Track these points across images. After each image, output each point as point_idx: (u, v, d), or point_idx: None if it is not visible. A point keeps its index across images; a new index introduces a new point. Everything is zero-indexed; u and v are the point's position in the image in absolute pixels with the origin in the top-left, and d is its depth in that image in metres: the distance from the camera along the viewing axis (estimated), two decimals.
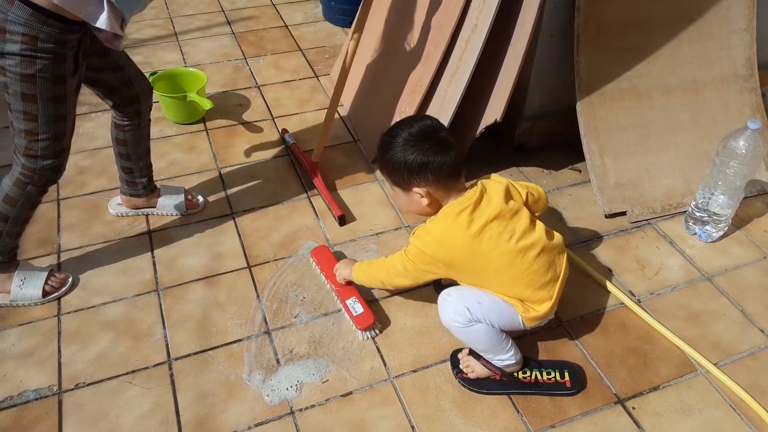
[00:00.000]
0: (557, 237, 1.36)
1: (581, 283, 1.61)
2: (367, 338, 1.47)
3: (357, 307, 1.49)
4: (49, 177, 1.41)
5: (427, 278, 1.37)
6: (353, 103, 2.21)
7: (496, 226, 1.26)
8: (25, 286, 1.51)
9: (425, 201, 1.29)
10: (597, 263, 1.68)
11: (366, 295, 1.55)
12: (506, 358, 1.34)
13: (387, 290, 1.57)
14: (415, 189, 1.28)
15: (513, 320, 1.32)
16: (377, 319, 1.49)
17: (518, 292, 1.31)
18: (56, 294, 1.54)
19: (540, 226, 1.33)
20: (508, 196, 1.32)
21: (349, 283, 1.53)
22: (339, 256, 1.66)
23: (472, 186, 1.32)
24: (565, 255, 1.37)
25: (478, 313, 1.28)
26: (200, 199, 1.82)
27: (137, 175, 1.70)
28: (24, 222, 1.48)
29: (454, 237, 1.26)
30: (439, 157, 1.25)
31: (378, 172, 1.97)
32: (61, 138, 1.37)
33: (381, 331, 1.49)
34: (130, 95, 1.55)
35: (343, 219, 1.76)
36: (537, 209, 1.43)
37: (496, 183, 1.34)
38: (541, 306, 1.32)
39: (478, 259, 1.27)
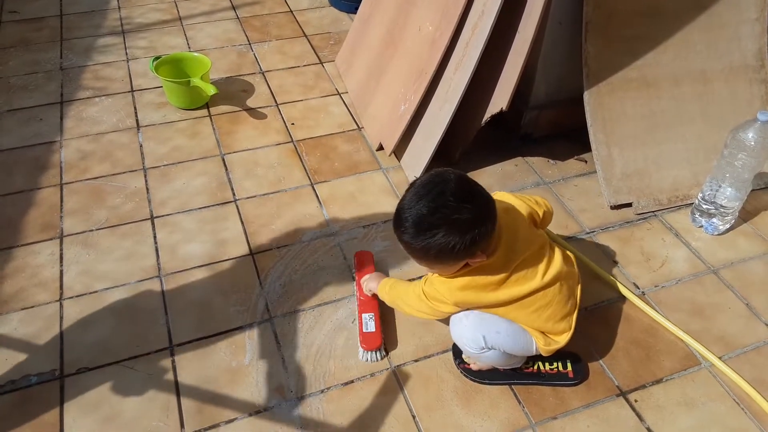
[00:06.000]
0: (574, 263, 1.31)
1: (585, 276, 1.59)
2: (367, 360, 1.39)
3: (370, 324, 1.41)
4: None
5: (444, 316, 1.27)
6: (357, 90, 2.19)
7: (525, 264, 1.18)
8: None
9: (477, 263, 1.15)
10: (601, 254, 1.67)
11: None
12: (512, 364, 1.34)
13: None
14: (472, 260, 1.13)
15: (527, 349, 1.27)
16: (386, 342, 1.42)
17: (540, 324, 1.24)
18: None
19: (558, 252, 1.25)
20: (532, 224, 1.24)
21: (375, 296, 1.46)
22: (378, 265, 1.59)
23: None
24: (580, 286, 1.31)
25: (493, 342, 1.23)
26: None
27: None
28: None
29: (481, 284, 1.17)
30: (493, 214, 1.10)
31: (381, 161, 1.95)
32: None
33: (384, 356, 1.40)
34: None
35: None
36: (546, 224, 1.38)
37: (519, 212, 1.23)
38: (561, 337, 1.27)
39: (504, 300, 1.20)
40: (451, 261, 1.12)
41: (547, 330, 1.26)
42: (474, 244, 1.08)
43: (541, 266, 1.21)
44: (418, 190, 1.10)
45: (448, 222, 1.06)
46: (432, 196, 1.08)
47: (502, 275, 1.17)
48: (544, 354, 1.28)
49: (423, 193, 1.09)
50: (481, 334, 1.23)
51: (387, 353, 1.42)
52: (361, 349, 1.39)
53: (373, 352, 1.39)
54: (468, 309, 1.26)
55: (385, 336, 1.44)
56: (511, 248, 1.17)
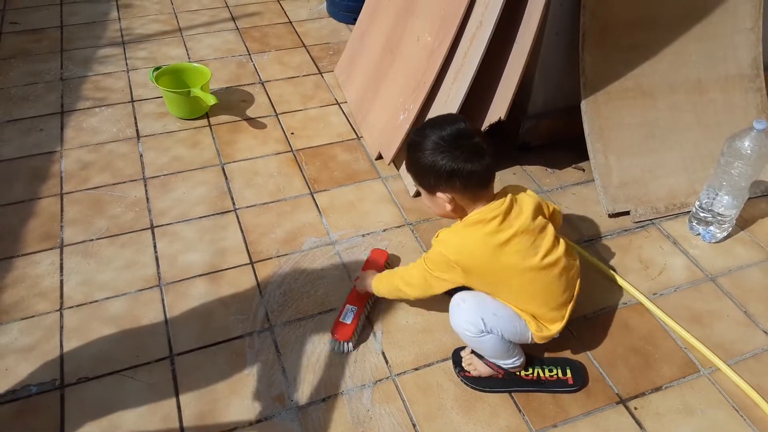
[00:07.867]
0: (577, 258, 1.34)
1: (585, 283, 1.60)
2: (334, 350, 1.42)
3: (348, 316, 1.44)
4: None
5: (443, 288, 1.31)
6: (356, 99, 2.20)
7: (524, 240, 1.23)
8: None
9: (449, 207, 1.26)
10: (600, 262, 1.68)
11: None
12: (511, 362, 1.34)
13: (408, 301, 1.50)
14: (439, 194, 1.25)
15: (523, 335, 1.30)
16: (361, 338, 1.45)
17: (534, 308, 1.28)
18: None
19: (562, 244, 1.29)
20: (538, 211, 1.29)
21: (368, 294, 1.48)
22: (393, 265, 1.62)
23: (501, 194, 1.28)
24: (579, 281, 1.35)
25: (491, 325, 1.26)
26: None
27: None
28: None
29: (480, 244, 1.23)
30: (470, 165, 1.20)
31: (380, 170, 1.96)
32: None
33: (351, 351, 1.43)
34: None
35: None
36: (554, 222, 1.39)
37: (527, 196, 1.30)
38: (554, 326, 1.30)
39: (500, 270, 1.24)
40: (432, 182, 1.25)
41: (540, 316, 1.30)
42: (452, 177, 1.21)
43: (543, 249, 1.25)
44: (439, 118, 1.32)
45: (435, 128, 1.24)
46: (444, 125, 1.25)
47: (501, 238, 1.22)
48: (537, 341, 1.30)
49: (440, 121, 1.28)
50: (479, 317, 1.26)
51: (355, 349, 1.44)
52: (330, 339, 1.43)
53: (341, 343, 1.42)
54: (467, 280, 1.28)
55: (365, 336, 1.46)
56: (512, 215, 1.24)
